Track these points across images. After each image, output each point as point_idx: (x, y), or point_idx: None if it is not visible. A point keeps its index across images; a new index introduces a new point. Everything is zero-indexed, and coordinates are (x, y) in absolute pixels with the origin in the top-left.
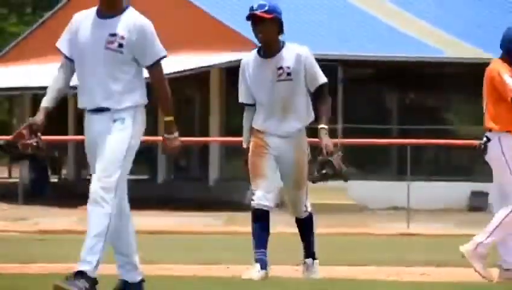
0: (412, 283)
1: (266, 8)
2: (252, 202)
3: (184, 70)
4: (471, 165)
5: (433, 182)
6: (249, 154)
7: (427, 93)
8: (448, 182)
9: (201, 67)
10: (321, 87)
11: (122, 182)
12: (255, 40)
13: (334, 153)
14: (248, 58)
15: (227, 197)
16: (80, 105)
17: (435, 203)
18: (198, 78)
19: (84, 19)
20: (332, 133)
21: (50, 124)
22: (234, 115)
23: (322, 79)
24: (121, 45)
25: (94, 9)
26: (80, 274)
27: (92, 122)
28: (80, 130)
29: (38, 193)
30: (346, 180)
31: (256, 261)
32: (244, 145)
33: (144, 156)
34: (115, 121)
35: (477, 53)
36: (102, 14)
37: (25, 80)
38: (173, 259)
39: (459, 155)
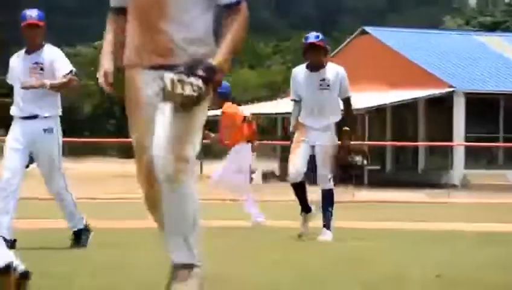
0: None
1: (320, 38)
2: (288, 178)
3: (402, 100)
4: None
5: None
6: (293, 140)
7: None
8: None
9: (411, 98)
10: (348, 98)
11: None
12: (449, 81)
13: (353, 149)
14: (298, 69)
15: (430, 179)
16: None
17: None
18: (411, 105)
19: (16, 58)
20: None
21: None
22: (430, 125)
23: (349, 93)
24: (41, 69)
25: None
26: None
27: None
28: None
29: None
30: (365, 161)
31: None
32: (291, 129)
33: (376, 153)
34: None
35: None
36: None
37: None
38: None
39: None
